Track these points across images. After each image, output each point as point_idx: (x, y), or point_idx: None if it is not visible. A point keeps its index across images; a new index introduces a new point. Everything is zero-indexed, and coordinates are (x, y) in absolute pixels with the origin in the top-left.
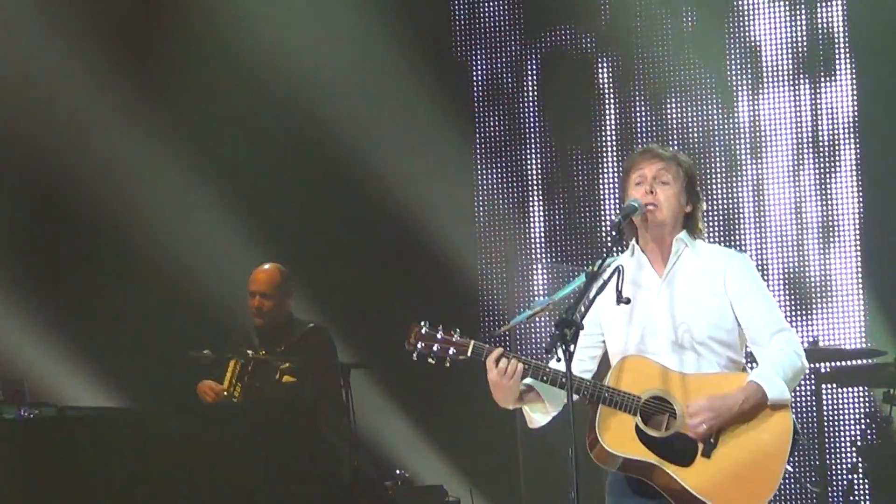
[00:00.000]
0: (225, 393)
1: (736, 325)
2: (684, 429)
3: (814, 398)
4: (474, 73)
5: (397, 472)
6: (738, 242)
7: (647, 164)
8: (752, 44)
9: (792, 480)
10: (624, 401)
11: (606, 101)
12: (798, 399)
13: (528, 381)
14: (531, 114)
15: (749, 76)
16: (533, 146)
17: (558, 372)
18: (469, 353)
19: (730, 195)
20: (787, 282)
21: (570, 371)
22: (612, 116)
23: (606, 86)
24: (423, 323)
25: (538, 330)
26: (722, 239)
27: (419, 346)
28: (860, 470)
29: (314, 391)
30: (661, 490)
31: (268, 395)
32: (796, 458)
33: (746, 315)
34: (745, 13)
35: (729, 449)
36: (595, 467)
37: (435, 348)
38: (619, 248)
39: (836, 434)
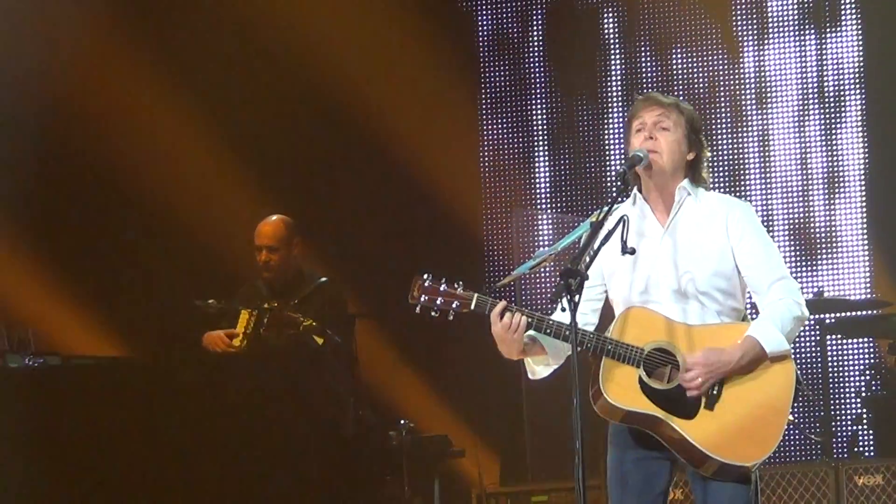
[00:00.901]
0: (236, 342)
1: (737, 272)
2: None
3: (818, 349)
4: (479, 24)
5: (402, 421)
6: (743, 193)
7: (646, 111)
8: None
9: (795, 431)
10: (627, 353)
11: (611, 52)
12: (803, 350)
13: (531, 333)
14: (536, 64)
15: (754, 26)
16: (538, 97)
17: (562, 325)
18: (472, 307)
19: (735, 146)
20: (792, 232)
21: (574, 321)
22: (617, 67)
23: (611, 36)
24: (425, 276)
25: (542, 281)
26: (727, 189)
27: (422, 299)
28: (864, 421)
29: (328, 345)
30: (664, 442)
31: (273, 345)
32: (800, 409)
33: (747, 263)
34: None
35: (732, 401)
36: (598, 417)
37: (438, 301)
38: (623, 198)
39: (841, 385)
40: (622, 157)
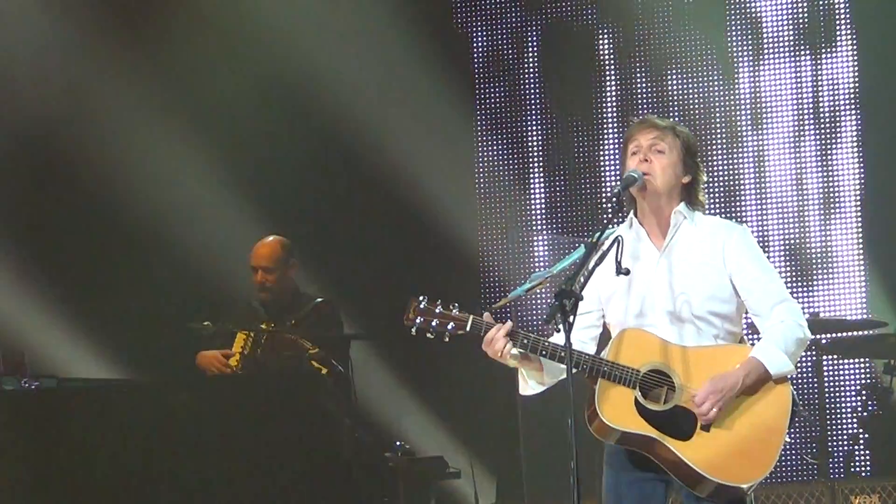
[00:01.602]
0: (233, 363)
1: (734, 297)
2: (684, 403)
3: (814, 369)
4: (475, 45)
5: (397, 443)
6: (738, 214)
7: (642, 134)
8: (753, 15)
9: (792, 452)
10: (623, 374)
11: (607, 73)
12: (799, 371)
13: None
14: (532, 85)
15: (750, 47)
16: (533, 118)
17: (557, 346)
18: (468, 328)
19: (731, 167)
20: (788, 253)
21: (569, 342)
22: (613, 88)
23: (607, 57)
24: (421, 298)
25: (539, 303)
26: (723, 210)
27: (418, 321)
28: (861, 440)
29: (331, 375)
30: (660, 463)
31: (269, 368)
32: (796, 429)
33: (747, 287)
34: None
35: (728, 422)
36: (595, 438)
37: (433, 323)
38: (619, 220)
39: (838, 405)
40: (618, 178)
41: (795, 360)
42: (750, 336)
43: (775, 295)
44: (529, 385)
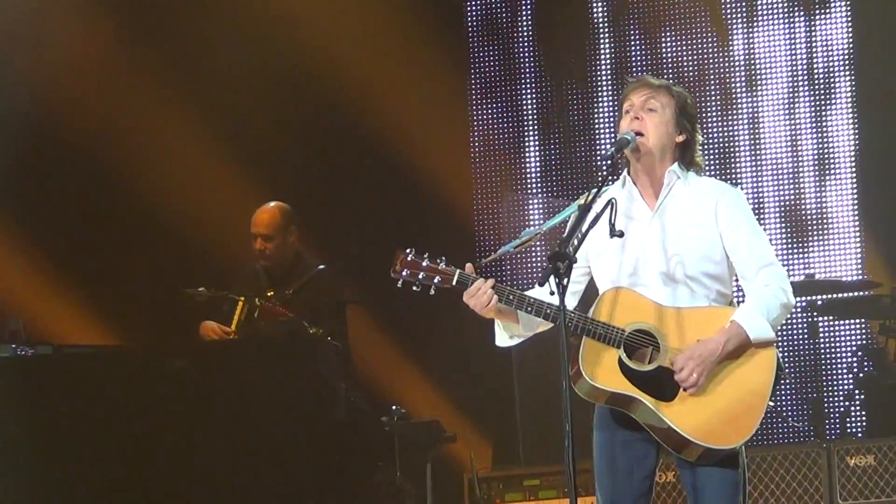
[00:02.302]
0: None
1: (725, 258)
2: (669, 364)
3: (810, 331)
4: (468, 9)
5: (393, 407)
6: (734, 176)
7: (635, 93)
8: None
9: (786, 414)
10: (608, 333)
11: (601, 36)
12: (794, 332)
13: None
14: (526, 49)
15: (744, 9)
16: (528, 81)
17: (542, 301)
18: (454, 283)
19: (725, 129)
20: (783, 215)
21: (563, 304)
22: (607, 51)
23: (601, 20)
24: (409, 250)
25: (528, 260)
26: (718, 173)
27: (404, 273)
28: (857, 401)
29: (322, 333)
30: (644, 425)
31: (264, 333)
32: (791, 391)
33: (735, 248)
34: None
35: (712, 385)
36: (588, 401)
37: (420, 276)
38: (612, 181)
39: (833, 366)
40: (612, 140)
41: (777, 326)
42: (739, 297)
43: (762, 258)
44: (505, 339)
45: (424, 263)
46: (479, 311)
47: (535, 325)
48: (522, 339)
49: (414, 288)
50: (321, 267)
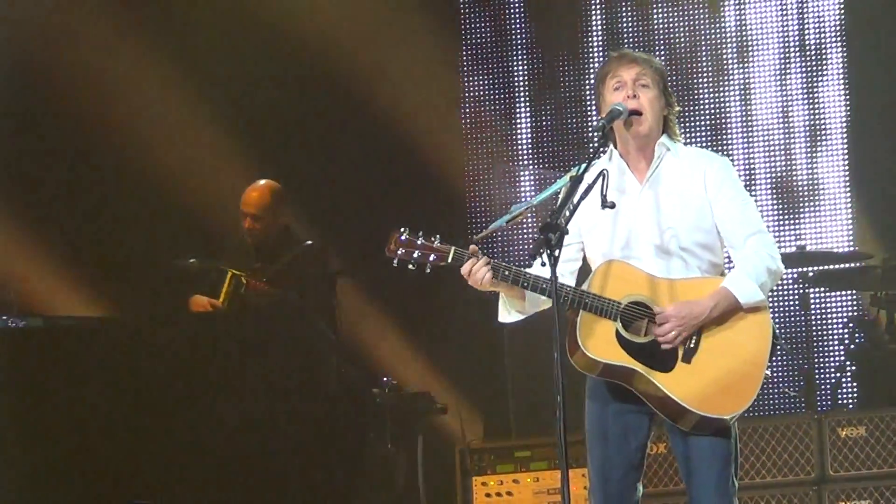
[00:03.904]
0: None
1: (715, 227)
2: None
3: (801, 302)
4: None
5: (384, 379)
6: (725, 148)
7: (624, 69)
8: None
9: (777, 386)
10: (604, 306)
11: (592, 7)
12: (785, 303)
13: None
14: (517, 20)
15: None
16: (519, 53)
17: (539, 278)
18: (450, 260)
19: (717, 101)
20: (774, 186)
21: (554, 275)
22: (599, 22)
23: None
24: (402, 229)
25: (521, 234)
26: (709, 143)
27: (399, 252)
28: (848, 372)
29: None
30: (641, 396)
31: (254, 303)
32: (783, 362)
33: (723, 217)
34: None
35: (709, 354)
36: (580, 372)
37: (415, 255)
38: (602, 153)
39: (825, 338)
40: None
41: (767, 291)
42: (730, 267)
43: (750, 226)
44: (509, 315)
45: (419, 242)
46: (477, 287)
47: (540, 302)
48: (524, 315)
49: (410, 266)
50: (308, 243)
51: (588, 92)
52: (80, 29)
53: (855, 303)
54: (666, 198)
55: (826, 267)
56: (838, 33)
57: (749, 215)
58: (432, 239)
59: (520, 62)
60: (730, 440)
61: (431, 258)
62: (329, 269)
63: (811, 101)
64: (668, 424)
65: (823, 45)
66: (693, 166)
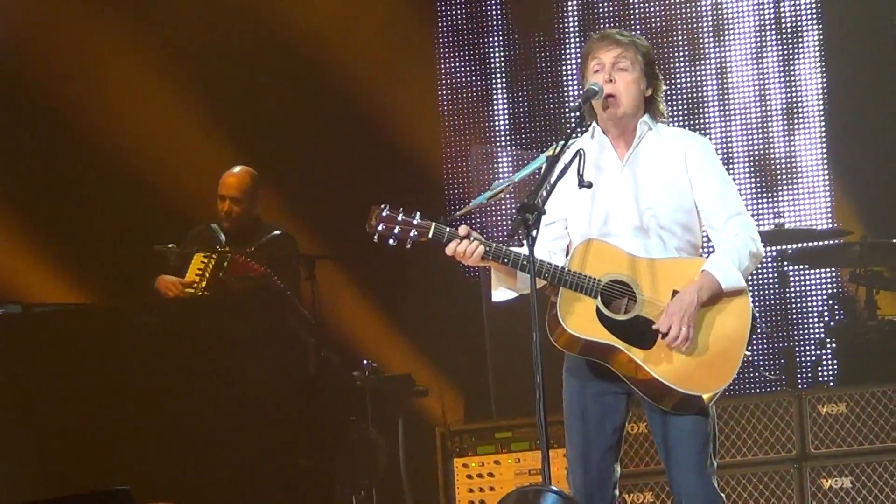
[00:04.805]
0: (192, 288)
1: (695, 207)
2: (646, 314)
3: (780, 280)
4: None
5: (365, 362)
6: (702, 126)
7: (604, 51)
8: None
9: (756, 365)
10: (584, 283)
11: None
12: (765, 281)
13: None
14: (494, 1)
15: None
16: (495, 33)
17: (520, 254)
18: (430, 235)
19: (694, 79)
20: (752, 164)
21: (532, 255)
22: (575, 2)
23: None
24: (383, 205)
25: (500, 212)
26: (687, 122)
27: (379, 227)
28: (828, 348)
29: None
30: (621, 375)
31: (234, 288)
32: (763, 340)
33: (703, 198)
34: None
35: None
36: (559, 354)
37: (396, 230)
38: (580, 132)
39: (804, 315)
40: (580, 92)
41: (748, 274)
42: (708, 248)
43: (730, 207)
44: (501, 291)
45: (400, 218)
46: (464, 260)
47: (527, 281)
48: (515, 293)
49: (390, 242)
50: (278, 232)
51: (565, 72)
52: (58, 16)
53: (834, 279)
54: (646, 177)
55: (805, 244)
56: (814, 11)
57: (730, 197)
58: (412, 215)
59: (496, 43)
60: (708, 420)
61: (412, 234)
62: (297, 258)
63: (788, 78)
64: (647, 405)
65: (799, 23)
66: (674, 146)
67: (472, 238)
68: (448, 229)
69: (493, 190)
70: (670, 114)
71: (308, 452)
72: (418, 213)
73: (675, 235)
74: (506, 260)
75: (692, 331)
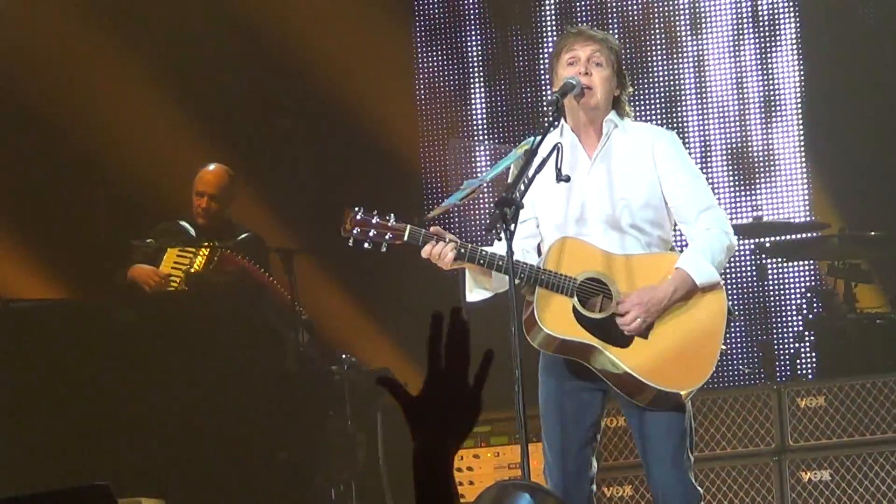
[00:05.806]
0: (174, 282)
1: (664, 203)
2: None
3: (758, 273)
4: None
5: (343, 356)
6: (680, 120)
7: (580, 46)
8: None
9: (730, 357)
10: (560, 282)
11: None
12: (742, 274)
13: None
14: None
15: None
16: (472, 27)
17: (494, 255)
18: (406, 238)
19: (671, 73)
20: (730, 157)
21: (510, 250)
22: None
23: None
24: (356, 209)
25: (475, 212)
26: (664, 116)
27: (354, 231)
28: (806, 341)
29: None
30: (598, 373)
31: (212, 282)
32: (741, 332)
33: (674, 193)
34: None
35: (665, 329)
36: (536, 349)
37: (371, 234)
38: (554, 127)
39: (783, 308)
40: (551, 87)
41: (722, 268)
42: (680, 242)
43: (701, 202)
44: (475, 292)
45: (374, 221)
46: (443, 266)
47: (505, 280)
48: (490, 293)
49: (365, 245)
50: (248, 233)
51: (542, 67)
52: (34, 15)
53: (813, 272)
54: (616, 173)
55: (783, 237)
56: (791, 4)
57: (700, 190)
58: (387, 218)
59: (473, 37)
60: (685, 415)
61: (387, 237)
62: (267, 260)
63: (765, 71)
64: (624, 400)
65: (776, 16)
66: (641, 141)
67: (447, 240)
68: (423, 231)
69: (465, 190)
70: (648, 106)
71: (287, 446)
72: (393, 216)
73: (646, 232)
74: (481, 261)
75: (644, 326)
